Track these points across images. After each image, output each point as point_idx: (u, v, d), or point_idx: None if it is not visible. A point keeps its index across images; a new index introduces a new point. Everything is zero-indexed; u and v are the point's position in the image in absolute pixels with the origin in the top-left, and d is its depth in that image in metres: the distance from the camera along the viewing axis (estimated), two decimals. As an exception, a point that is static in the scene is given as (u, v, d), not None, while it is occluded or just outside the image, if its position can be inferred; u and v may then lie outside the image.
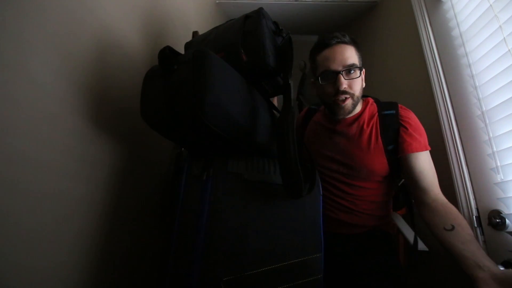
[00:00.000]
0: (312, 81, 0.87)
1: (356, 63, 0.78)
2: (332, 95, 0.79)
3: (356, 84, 0.78)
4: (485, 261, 0.60)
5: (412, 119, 0.80)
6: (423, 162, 0.76)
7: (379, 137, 0.79)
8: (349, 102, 0.79)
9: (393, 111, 0.81)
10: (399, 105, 0.83)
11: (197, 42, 0.81)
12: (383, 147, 0.78)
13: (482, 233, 0.82)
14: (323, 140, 0.88)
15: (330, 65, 0.77)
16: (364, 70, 0.81)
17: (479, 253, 0.62)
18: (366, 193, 0.82)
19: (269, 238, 0.60)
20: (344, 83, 0.76)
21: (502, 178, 0.79)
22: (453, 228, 0.66)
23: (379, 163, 0.79)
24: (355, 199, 0.82)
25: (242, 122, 0.61)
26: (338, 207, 0.83)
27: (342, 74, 0.76)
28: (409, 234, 0.93)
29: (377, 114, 0.83)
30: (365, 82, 0.84)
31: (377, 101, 0.88)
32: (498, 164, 0.80)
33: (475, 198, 0.86)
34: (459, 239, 0.65)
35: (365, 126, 0.81)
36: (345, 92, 0.77)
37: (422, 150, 0.76)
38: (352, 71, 0.77)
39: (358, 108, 0.85)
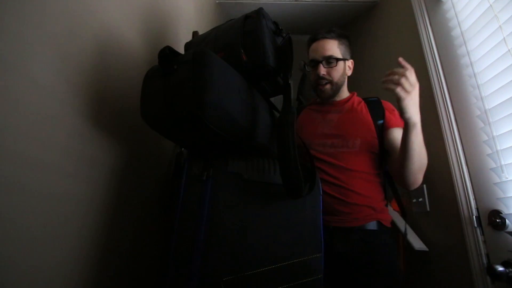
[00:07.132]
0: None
1: (335, 54, 0.94)
2: (315, 80, 0.97)
3: (335, 71, 0.94)
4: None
5: (390, 105, 0.95)
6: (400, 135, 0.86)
7: (369, 114, 0.93)
8: (328, 87, 0.95)
9: (376, 99, 0.97)
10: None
11: (197, 42, 0.81)
12: (373, 121, 0.91)
13: (482, 233, 0.82)
14: (317, 121, 0.99)
15: (314, 55, 0.96)
16: (351, 61, 0.99)
17: None
18: (359, 168, 0.87)
19: (269, 238, 0.60)
20: (323, 71, 0.93)
21: (502, 178, 0.79)
22: None
23: (370, 135, 0.90)
24: (349, 175, 0.85)
25: (242, 122, 0.61)
26: (331, 187, 0.84)
27: (322, 63, 0.93)
28: (402, 227, 0.95)
29: (363, 100, 0.99)
30: (366, 82, 0.88)
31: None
32: (498, 164, 0.80)
33: (475, 198, 0.86)
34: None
35: (355, 105, 0.97)
36: (324, 78, 0.94)
37: (400, 126, 0.87)
38: (331, 61, 0.93)
39: (345, 94, 1.01)
